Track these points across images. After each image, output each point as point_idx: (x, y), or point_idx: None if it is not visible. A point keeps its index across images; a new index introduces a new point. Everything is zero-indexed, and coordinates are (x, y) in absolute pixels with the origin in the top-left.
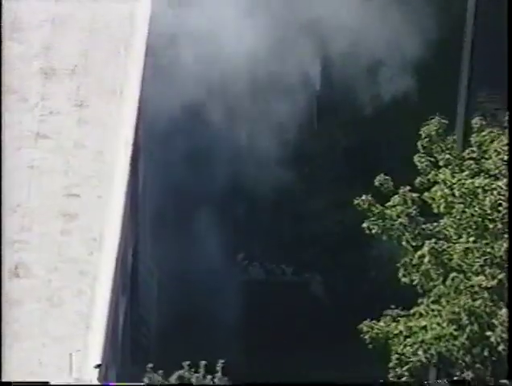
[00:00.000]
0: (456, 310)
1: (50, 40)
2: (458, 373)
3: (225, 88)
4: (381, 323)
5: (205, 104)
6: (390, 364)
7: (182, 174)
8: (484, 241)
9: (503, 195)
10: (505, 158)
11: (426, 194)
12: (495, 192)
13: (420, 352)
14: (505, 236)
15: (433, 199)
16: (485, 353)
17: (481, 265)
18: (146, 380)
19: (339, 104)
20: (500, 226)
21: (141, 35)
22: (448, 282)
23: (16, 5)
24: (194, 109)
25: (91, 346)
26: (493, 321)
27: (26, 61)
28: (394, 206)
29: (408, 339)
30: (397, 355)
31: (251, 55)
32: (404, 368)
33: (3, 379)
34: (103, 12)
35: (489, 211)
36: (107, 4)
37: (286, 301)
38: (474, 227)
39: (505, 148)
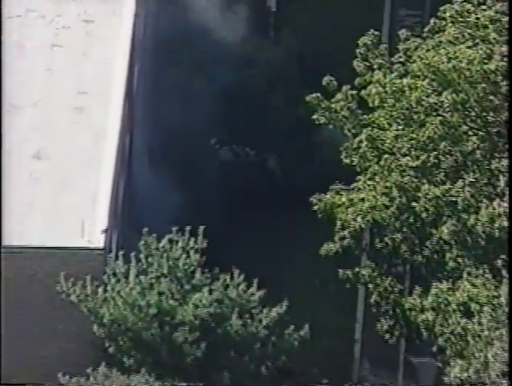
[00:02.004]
0: (388, 185)
1: None
2: (389, 236)
3: None
4: (328, 196)
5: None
6: (336, 229)
7: (167, 76)
8: (410, 129)
9: (425, 93)
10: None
11: (363, 91)
12: (419, 90)
13: (359, 219)
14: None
15: (369, 95)
16: (411, 220)
17: (408, 148)
18: (141, 242)
19: (294, 19)
20: (422, 117)
21: None
22: (382, 162)
23: None
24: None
25: (98, 216)
26: (418, 194)
27: None
28: (337, 101)
29: (349, 209)
30: (341, 221)
31: None
32: (346, 231)
33: None
34: None
35: (414, 105)
36: None
37: (249, 176)
38: (402, 117)
39: (430, 53)
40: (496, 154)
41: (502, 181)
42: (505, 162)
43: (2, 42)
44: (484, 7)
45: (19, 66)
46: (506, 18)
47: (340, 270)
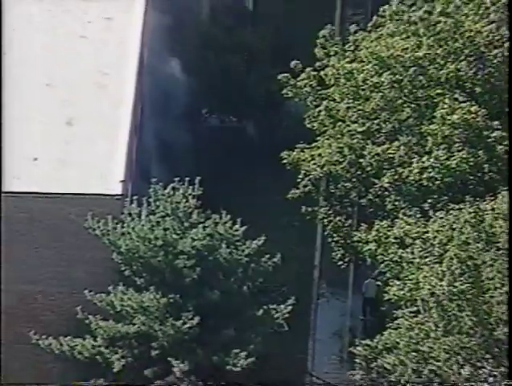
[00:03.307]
0: (341, 145)
1: None
2: (341, 184)
3: None
4: (294, 153)
5: None
6: (299, 178)
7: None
8: (358, 102)
9: (369, 74)
10: (371, 50)
11: (322, 72)
12: (365, 72)
13: (318, 170)
14: (371, 99)
15: (326, 75)
16: (358, 172)
17: (356, 117)
18: (151, 190)
19: (267, 16)
20: (367, 93)
21: None
22: (336, 128)
23: None
24: None
25: (116, 169)
26: (364, 152)
27: None
28: (302, 80)
29: (310, 162)
30: (303, 172)
31: None
32: (307, 180)
33: None
34: None
35: (361, 84)
36: None
37: (232, 138)
38: (352, 93)
39: (373, 43)
40: (424, 121)
41: (430, 141)
42: (433, 127)
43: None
44: (414, 8)
45: (53, 51)
46: (433, 17)
47: (302, 210)
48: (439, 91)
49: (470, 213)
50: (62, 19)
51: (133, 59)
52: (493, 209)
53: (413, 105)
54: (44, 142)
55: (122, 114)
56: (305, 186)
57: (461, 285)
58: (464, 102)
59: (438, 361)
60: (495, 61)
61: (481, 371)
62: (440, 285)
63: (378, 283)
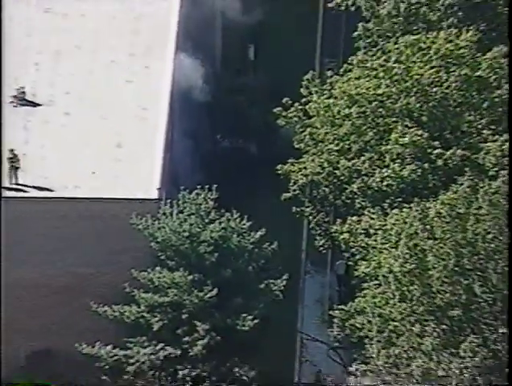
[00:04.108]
0: (321, 160)
1: None
2: (321, 189)
3: None
4: (286, 166)
5: None
6: (290, 185)
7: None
8: (333, 128)
9: (341, 107)
10: (342, 89)
11: (306, 106)
12: (338, 106)
13: (304, 178)
14: (343, 126)
15: (309, 109)
16: (334, 180)
17: (332, 140)
18: (180, 195)
19: (265, 65)
20: (340, 122)
21: None
22: (317, 148)
23: None
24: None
25: (154, 179)
26: (338, 165)
27: None
28: (291, 112)
29: (298, 173)
30: (293, 180)
31: None
32: (295, 185)
33: None
34: None
35: (335, 114)
36: None
37: (239, 157)
38: (329, 121)
39: (344, 84)
40: (383, 142)
41: (387, 157)
42: (389, 146)
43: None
44: (375, 57)
45: (106, 92)
46: (389, 64)
47: (293, 209)
48: (393, 119)
49: (417, 211)
50: (111, 69)
51: (165, 97)
52: (435, 207)
53: (374, 130)
54: (100, 160)
55: (158, 138)
56: (294, 191)
57: (410, 265)
58: (412, 128)
59: (395, 321)
60: (436, 97)
61: (427, 327)
62: (396, 265)
63: (350, 263)
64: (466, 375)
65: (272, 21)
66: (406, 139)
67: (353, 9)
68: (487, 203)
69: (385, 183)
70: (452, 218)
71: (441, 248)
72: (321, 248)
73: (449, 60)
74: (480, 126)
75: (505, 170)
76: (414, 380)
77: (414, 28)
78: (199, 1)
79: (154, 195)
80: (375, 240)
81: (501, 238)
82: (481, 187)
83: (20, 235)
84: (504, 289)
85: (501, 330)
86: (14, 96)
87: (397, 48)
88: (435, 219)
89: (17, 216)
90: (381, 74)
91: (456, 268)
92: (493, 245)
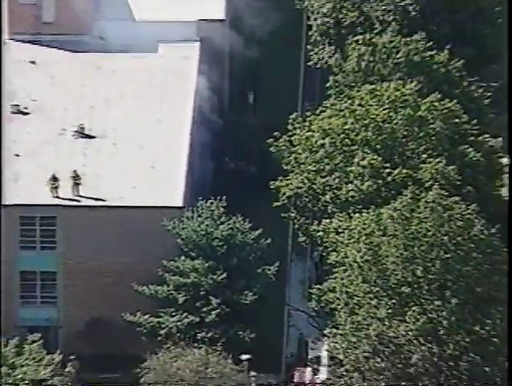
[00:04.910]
0: (302, 178)
1: None
2: (303, 199)
3: None
4: (277, 182)
5: None
6: (280, 195)
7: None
8: (312, 154)
9: (318, 139)
10: (319, 125)
11: (292, 138)
12: (315, 138)
13: (290, 191)
14: (319, 153)
15: (294, 140)
16: (313, 194)
17: (310, 162)
18: (198, 203)
19: (262, 106)
20: (317, 149)
21: None
22: (299, 168)
23: None
24: None
25: (179, 191)
26: (315, 182)
27: None
28: (281, 142)
29: (285, 188)
30: (282, 192)
31: None
32: (283, 196)
33: None
34: None
35: (313, 144)
36: None
37: (242, 175)
38: (308, 149)
39: (320, 122)
40: (348, 164)
41: (351, 175)
42: (353, 167)
43: (2, 43)
44: (342, 102)
45: (140, 129)
46: (353, 107)
47: (282, 215)
48: (356, 147)
49: (373, 215)
50: (146, 111)
51: (186, 131)
52: (387, 212)
53: (342, 155)
54: (138, 178)
55: (181, 162)
56: (283, 200)
57: (368, 255)
58: (370, 154)
59: (358, 297)
60: (387, 130)
61: (381, 301)
62: (358, 255)
63: (324, 254)
64: (410, 335)
65: (266, 75)
66: (365, 162)
67: (325, 66)
68: (427, 208)
69: (349, 195)
70: (400, 220)
71: (392, 242)
72: (303, 243)
73: (397, 104)
74: (419, 152)
75: (438, 182)
76: (371, 341)
77: (371, 80)
78: (213, 60)
79: (179, 203)
80: (342, 237)
81: (438, 235)
82: (421, 197)
83: (85, 234)
84: (443, 272)
85: (436, 303)
86: (76, 131)
87: (359, 95)
88: (388, 221)
89: (81, 221)
90: (347, 114)
91: (404, 257)
92: (432, 239)
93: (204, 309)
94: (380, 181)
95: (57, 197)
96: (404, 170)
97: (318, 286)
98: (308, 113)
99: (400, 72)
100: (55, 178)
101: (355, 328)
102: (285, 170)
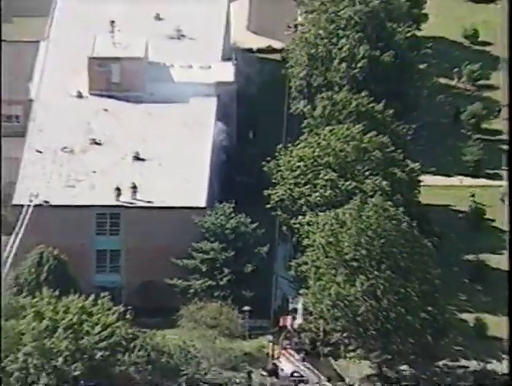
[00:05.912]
0: (285, 188)
1: None
2: (292, 198)
3: None
4: (269, 191)
5: None
6: (272, 197)
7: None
8: (292, 173)
9: (295, 162)
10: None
11: (279, 161)
12: (294, 161)
13: (277, 197)
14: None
15: (280, 164)
16: (292, 198)
17: (291, 178)
18: (216, 204)
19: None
20: (295, 169)
21: None
22: (283, 182)
23: None
24: None
25: (202, 194)
26: (294, 191)
27: None
28: (271, 165)
29: (277, 193)
30: (273, 198)
31: None
32: (273, 201)
33: None
34: None
35: (293, 167)
36: None
37: (246, 186)
38: (290, 170)
39: (298, 151)
40: (316, 179)
41: (318, 187)
42: (319, 181)
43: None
44: (312, 139)
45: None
46: (320, 141)
47: (272, 213)
48: (321, 168)
49: (333, 213)
50: (173, 136)
51: (207, 154)
52: (342, 212)
53: (311, 174)
54: (173, 187)
55: (204, 175)
56: (272, 204)
57: (329, 240)
58: (329, 172)
59: (322, 268)
60: (342, 155)
61: (338, 271)
62: (323, 240)
63: (299, 239)
64: (358, 294)
65: (262, 119)
66: (327, 177)
67: (301, 113)
68: (371, 209)
69: (317, 200)
70: (352, 217)
71: (346, 232)
72: (285, 232)
73: (348, 139)
74: (363, 171)
75: (377, 192)
76: (331, 298)
77: (332, 123)
78: (225, 109)
79: (203, 204)
80: (312, 228)
81: (379, 228)
82: (366, 202)
83: (138, 225)
84: (380, 252)
85: (375, 273)
86: (133, 156)
87: (323, 133)
88: (344, 217)
89: (136, 217)
90: (315, 146)
91: (355, 242)
92: (374, 231)
93: (219, 276)
94: (337, 190)
95: (120, 200)
96: (354, 183)
97: (295, 260)
98: (289, 145)
99: (351, 118)
100: (118, 189)
101: (320, 289)
102: (274, 182)
